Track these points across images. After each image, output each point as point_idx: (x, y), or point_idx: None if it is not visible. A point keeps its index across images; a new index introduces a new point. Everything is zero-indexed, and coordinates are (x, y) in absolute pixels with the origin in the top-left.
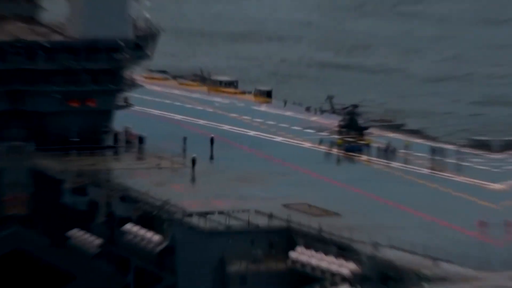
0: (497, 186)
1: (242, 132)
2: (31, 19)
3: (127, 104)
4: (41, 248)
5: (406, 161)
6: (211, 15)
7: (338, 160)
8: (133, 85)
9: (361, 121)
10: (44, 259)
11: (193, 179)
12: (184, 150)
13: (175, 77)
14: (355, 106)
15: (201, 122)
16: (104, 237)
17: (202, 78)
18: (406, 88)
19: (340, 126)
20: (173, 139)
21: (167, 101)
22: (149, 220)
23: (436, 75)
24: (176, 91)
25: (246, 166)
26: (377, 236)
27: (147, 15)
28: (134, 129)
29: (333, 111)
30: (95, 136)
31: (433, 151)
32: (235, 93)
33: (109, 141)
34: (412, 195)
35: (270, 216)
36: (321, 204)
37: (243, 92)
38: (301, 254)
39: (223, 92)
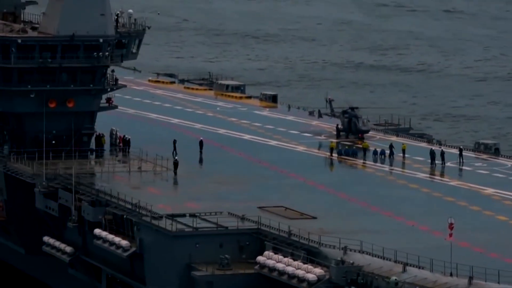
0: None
1: (237, 136)
2: (11, 15)
3: (110, 105)
4: (16, 257)
5: (402, 165)
6: (245, 14)
7: (331, 164)
8: (115, 85)
9: (360, 124)
10: (19, 268)
11: (175, 182)
12: (174, 153)
13: (182, 81)
14: (353, 108)
15: (198, 126)
16: (76, 244)
17: (209, 82)
18: (443, 89)
19: (339, 130)
20: (164, 143)
21: (167, 105)
22: (119, 224)
23: (477, 75)
24: (180, 95)
25: (232, 170)
26: (350, 241)
27: (131, 12)
28: (126, 131)
29: (333, 114)
30: (76, 138)
31: (432, 154)
32: (241, 97)
33: (92, 144)
34: (398, 200)
35: (242, 218)
36: (300, 207)
37: (249, 97)
38: (269, 259)
39: (229, 96)
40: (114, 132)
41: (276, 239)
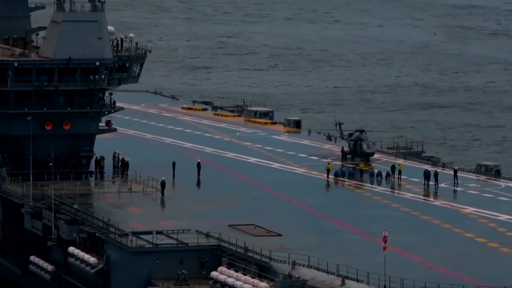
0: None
1: (244, 159)
2: (22, 40)
3: (109, 128)
4: (14, 275)
5: (394, 186)
6: (325, 38)
7: (327, 185)
8: (113, 107)
9: (364, 147)
10: (19, 284)
11: (160, 202)
12: (173, 175)
13: (215, 108)
14: (360, 131)
15: (208, 150)
16: (59, 263)
17: (240, 109)
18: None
19: (344, 152)
20: (168, 165)
21: (188, 130)
22: (93, 243)
23: None
24: (205, 121)
25: (223, 190)
26: (305, 257)
27: (132, 36)
28: (136, 154)
29: (342, 137)
30: (75, 161)
31: (427, 176)
32: (266, 123)
33: (92, 166)
34: (373, 218)
35: (207, 235)
36: (273, 225)
37: (274, 123)
38: (221, 274)
39: (255, 122)
40: (116, 155)
41: (233, 255)
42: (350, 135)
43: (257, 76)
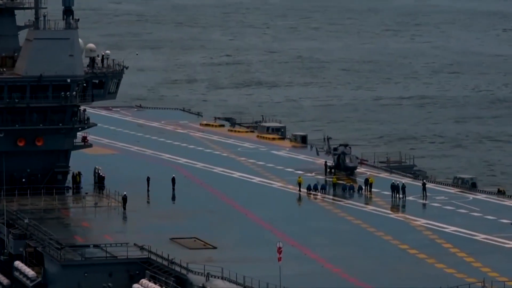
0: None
1: (228, 174)
2: (10, 59)
3: (85, 144)
4: None
5: (364, 200)
6: (403, 50)
7: (299, 199)
8: (86, 123)
9: (347, 161)
10: None
11: (119, 217)
12: (148, 190)
13: (233, 124)
14: (344, 146)
15: (199, 165)
16: (8, 277)
17: (255, 126)
18: None
19: (327, 166)
20: (153, 180)
21: (191, 146)
22: (37, 257)
23: None
24: (215, 137)
25: (188, 205)
26: (229, 269)
27: (108, 53)
28: (121, 170)
29: (329, 151)
30: (50, 176)
31: (394, 188)
32: (274, 138)
33: (69, 182)
34: (318, 231)
35: (141, 248)
36: (215, 238)
37: (282, 138)
38: (141, 286)
39: (264, 138)
40: (96, 171)
41: (158, 267)
42: (335, 149)
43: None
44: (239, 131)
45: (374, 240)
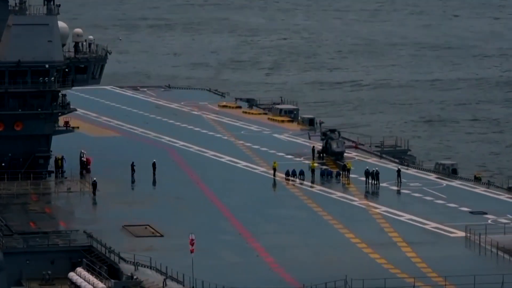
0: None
1: (217, 159)
2: None
3: (67, 129)
4: None
5: (336, 186)
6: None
7: (273, 185)
8: (66, 109)
9: (334, 146)
10: None
11: (94, 203)
12: (132, 175)
13: (251, 106)
14: (332, 131)
15: (193, 149)
16: None
17: (270, 107)
18: None
19: (314, 151)
20: (141, 165)
21: (197, 129)
22: None
23: None
24: (226, 119)
25: (162, 191)
26: (166, 258)
27: (91, 38)
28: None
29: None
30: (31, 161)
31: (367, 175)
32: (283, 121)
33: (52, 167)
34: (274, 219)
35: (89, 237)
36: (167, 225)
37: (291, 121)
38: (75, 275)
39: (275, 120)
40: (81, 155)
41: (96, 255)
42: (324, 134)
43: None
44: (252, 113)
45: (323, 229)
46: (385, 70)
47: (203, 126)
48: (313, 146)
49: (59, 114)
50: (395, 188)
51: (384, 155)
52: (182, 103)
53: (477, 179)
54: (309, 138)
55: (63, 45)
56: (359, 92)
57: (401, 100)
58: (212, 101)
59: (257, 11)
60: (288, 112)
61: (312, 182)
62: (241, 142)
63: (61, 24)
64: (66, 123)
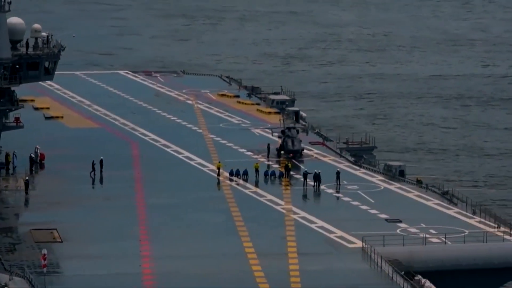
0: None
1: (175, 155)
2: None
3: (17, 125)
4: None
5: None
6: None
7: (217, 184)
8: (14, 105)
9: (290, 144)
10: None
11: (26, 202)
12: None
13: (249, 95)
14: (289, 128)
15: (159, 144)
16: None
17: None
18: None
19: (269, 149)
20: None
21: (178, 120)
22: None
23: None
24: (213, 110)
25: (97, 191)
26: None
27: (44, 35)
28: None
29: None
30: None
31: (305, 176)
32: (269, 112)
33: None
34: (184, 225)
35: None
36: (76, 230)
37: (278, 113)
38: None
39: (262, 112)
40: (36, 150)
41: None
42: (282, 132)
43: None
44: (245, 103)
45: (225, 237)
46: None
47: (185, 118)
48: (268, 144)
49: (7, 110)
50: (331, 191)
51: (343, 154)
52: (184, 90)
53: (418, 182)
54: (272, 134)
55: (19, 41)
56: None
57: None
58: (217, 88)
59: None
60: (280, 103)
61: (256, 182)
62: (212, 136)
63: (16, 20)
64: (17, 119)
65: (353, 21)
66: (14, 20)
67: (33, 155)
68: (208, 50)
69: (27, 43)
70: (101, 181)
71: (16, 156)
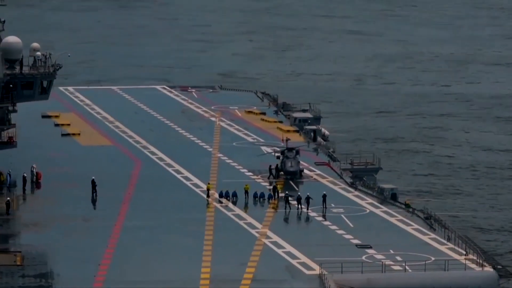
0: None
1: (176, 174)
2: None
3: (11, 144)
4: None
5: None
6: None
7: (206, 205)
8: (5, 125)
9: (288, 165)
10: None
11: (4, 222)
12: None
13: (276, 112)
14: (289, 149)
15: (162, 163)
16: None
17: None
18: None
19: (271, 170)
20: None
21: (193, 138)
22: None
23: None
24: (233, 128)
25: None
26: None
27: (39, 54)
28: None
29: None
30: None
31: (286, 200)
32: (288, 131)
33: None
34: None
35: None
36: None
37: (297, 131)
38: None
39: (282, 130)
40: (31, 169)
41: None
42: (282, 153)
43: None
44: (268, 121)
45: (185, 263)
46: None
47: (202, 136)
48: (270, 166)
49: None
50: (314, 214)
51: (343, 176)
52: (212, 107)
53: (407, 206)
54: (274, 155)
55: (15, 60)
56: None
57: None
58: (247, 105)
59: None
60: (302, 121)
61: (246, 204)
62: (220, 155)
63: (13, 39)
64: (10, 138)
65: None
66: (10, 39)
67: (25, 174)
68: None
69: (21, 62)
70: (92, 201)
71: (10, 175)
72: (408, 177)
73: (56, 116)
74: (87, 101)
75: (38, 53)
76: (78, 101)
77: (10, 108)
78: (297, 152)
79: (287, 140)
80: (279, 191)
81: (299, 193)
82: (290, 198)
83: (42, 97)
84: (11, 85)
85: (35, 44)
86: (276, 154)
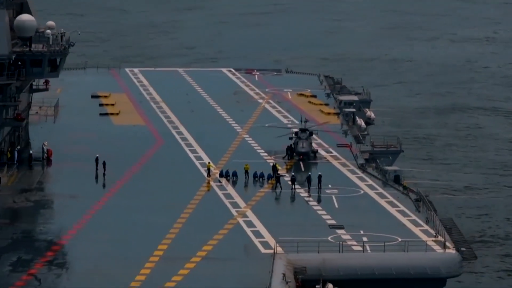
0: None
1: (190, 154)
2: None
3: (18, 119)
4: None
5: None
6: None
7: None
8: (11, 101)
9: (300, 146)
10: None
11: None
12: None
13: (328, 95)
14: (303, 130)
15: (185, 142)
16: None
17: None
18: None
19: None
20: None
21: (229, 119)
22: None
23: None
24: (275, 111)
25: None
26: None
27: (49, 32)
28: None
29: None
30: None
31: (293, 180)
32: (329, 113)
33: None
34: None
35: None
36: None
37: (337, 114)
38: None
39: (322, 112)
40: (42, 147)
41: None
42: (296, 133)
43: None
44: (314, 103)
45: (145, 241)
46: None
47: (238, 117)
48: (287, 146)
49: (4, 106)
50: (305, 195)
51: (357, 158)
52: (267, 89)
53: (404, 188)
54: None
55: (29, 37)
56: None
57: None
58: (303, 88)
59: None
60: (348, 104)
61: (246, 184)
62: (245, 136)
63: (26, 17)
64: (18, 114)
65: None
66: (24, 17)
67: (32, 152)
68: None
69: (30, 39)
70: (96, 179)
71: (17, 152)
72: (427, 163)
73: (106, 96)
74: (145, 82)
75: (48, 31)
76: (137, 82)
77: (18, 85)
78: (311, 133)
79: (306, 121)
80: (278, 170)
81: (293, 174)
82: (285, 179)
83: (52, 75)
84: (19, 62)
85: (50, 23)
86: (289, 136)
